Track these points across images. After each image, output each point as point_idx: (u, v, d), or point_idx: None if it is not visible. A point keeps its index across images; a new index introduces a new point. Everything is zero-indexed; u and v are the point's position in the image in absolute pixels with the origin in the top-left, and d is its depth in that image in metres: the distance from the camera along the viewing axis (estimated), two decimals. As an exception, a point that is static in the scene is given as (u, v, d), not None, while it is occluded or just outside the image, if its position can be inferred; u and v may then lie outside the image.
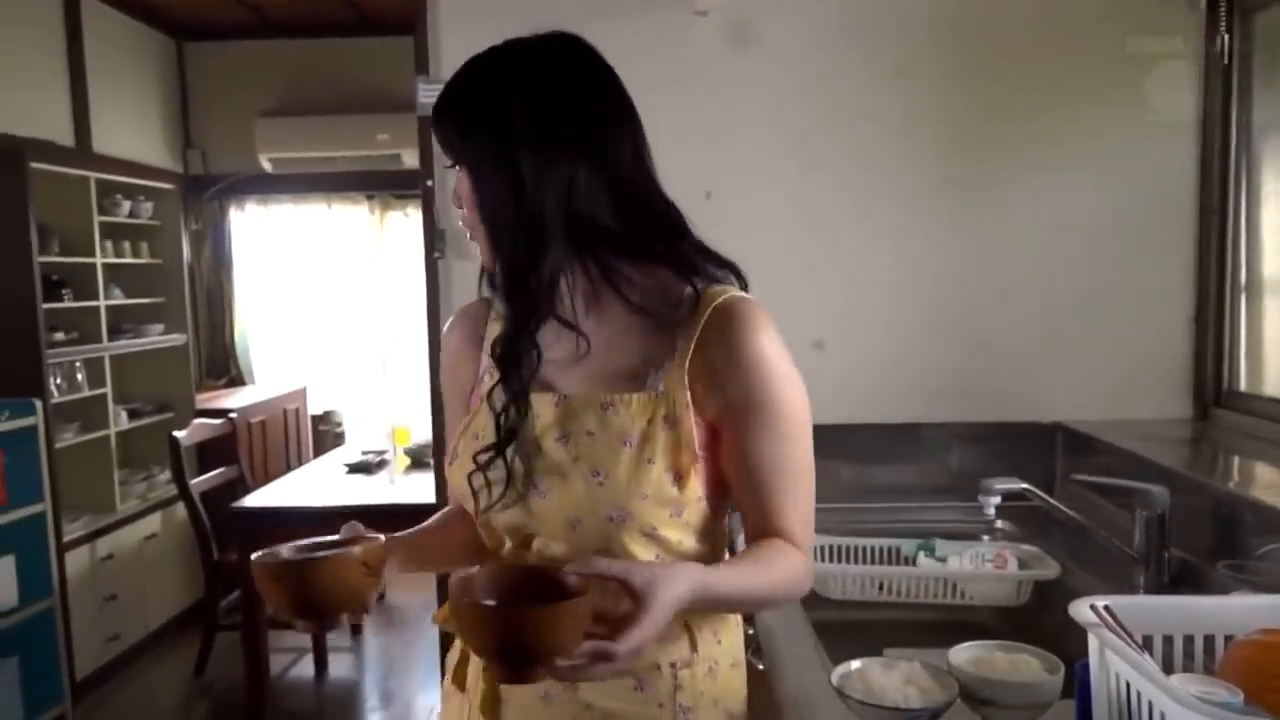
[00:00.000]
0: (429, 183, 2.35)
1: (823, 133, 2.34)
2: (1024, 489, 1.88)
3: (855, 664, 1.31)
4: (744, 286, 1.27)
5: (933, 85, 2.31)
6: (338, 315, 5.72)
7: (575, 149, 1.16)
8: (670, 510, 1.18)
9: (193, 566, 4.58)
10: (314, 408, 5.77)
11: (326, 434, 5.70)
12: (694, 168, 2.34)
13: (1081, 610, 1.12)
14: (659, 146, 2.30)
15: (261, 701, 3.73)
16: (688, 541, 1.21)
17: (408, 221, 5.45)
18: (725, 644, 1.27)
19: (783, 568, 1.17)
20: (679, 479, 1.17)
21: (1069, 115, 2.32)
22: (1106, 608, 1.11)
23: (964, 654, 1.32)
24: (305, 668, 4.29)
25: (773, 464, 1.18)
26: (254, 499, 3.87)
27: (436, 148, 2.31)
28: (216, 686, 4.17)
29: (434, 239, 2.36)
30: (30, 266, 3.66)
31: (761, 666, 1.74)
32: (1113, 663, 1.07)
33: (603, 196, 1.18)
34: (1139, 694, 1.02)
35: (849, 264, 2.37)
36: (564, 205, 1.15)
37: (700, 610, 1.16)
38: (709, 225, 2.32)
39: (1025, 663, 1.30)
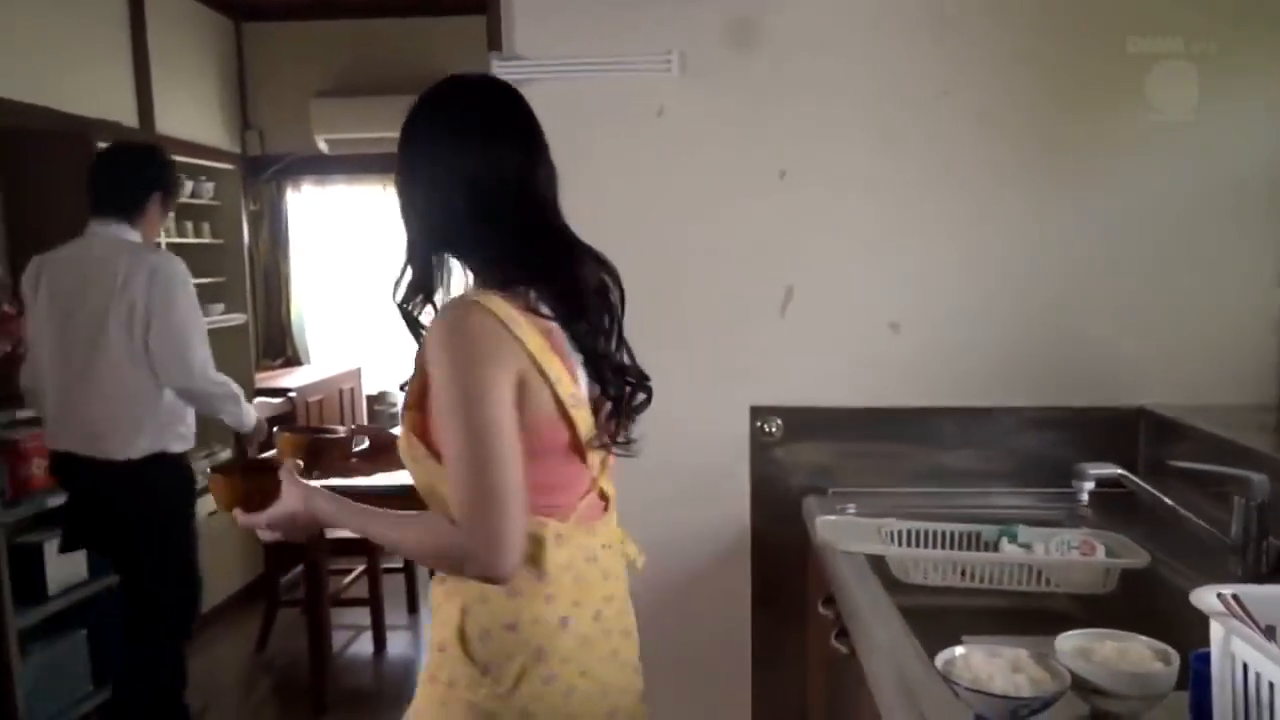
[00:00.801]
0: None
1: (900, 112, 2.28)
2: (1120, 474, 1.84)
3: (959, 650, 1.28)
4: (576, 304, 1.43)
5: (1013, 66, 2.25)
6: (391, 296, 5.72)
7: (424, 175, 1.43)
8: (408, 457, 1.43)
9: (253, 543, 4.63)
10: (368, 388, 5.80)
11: (381, 414, 5.72)
12: (769, 147, 2.31)
13: (1207, 598, 1.09)
14: (733, 125, 2.29)
15: (324, 678, 3.76)
16: (434, 491, 1.42)
17: (462, 202, 5.45)
18: (456, 604, 1.42)
19: (420, 532, 1.38)
20: (406, 436, 1.43)
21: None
22: (1234, 596, 1.07)
23: (1070, 642, 1.29)
24: (364, 645, 4.32)
25: (440, 444, 1.36)
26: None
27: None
28: (278, 662, 4.22)
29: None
30: (98, 245, 3.69)
31: (846, 650, 1.72)
32: (1240, 652, 1.04)
33: (443, 213, 1.42)
34: (1271, 685, 0.99)
35: (926, 245, 2.32)
36: (419, 218, 1.45)
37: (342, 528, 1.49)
38: (782, 205, 2.31)
39: (1136, 652, 1.27)
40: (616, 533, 1.55)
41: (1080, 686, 1.22)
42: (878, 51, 2.28)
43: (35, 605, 3.39)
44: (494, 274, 1.41)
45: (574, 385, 1.40)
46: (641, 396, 1.53)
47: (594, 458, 1.46)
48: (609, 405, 1.47)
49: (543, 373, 1.35)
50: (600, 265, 1.50)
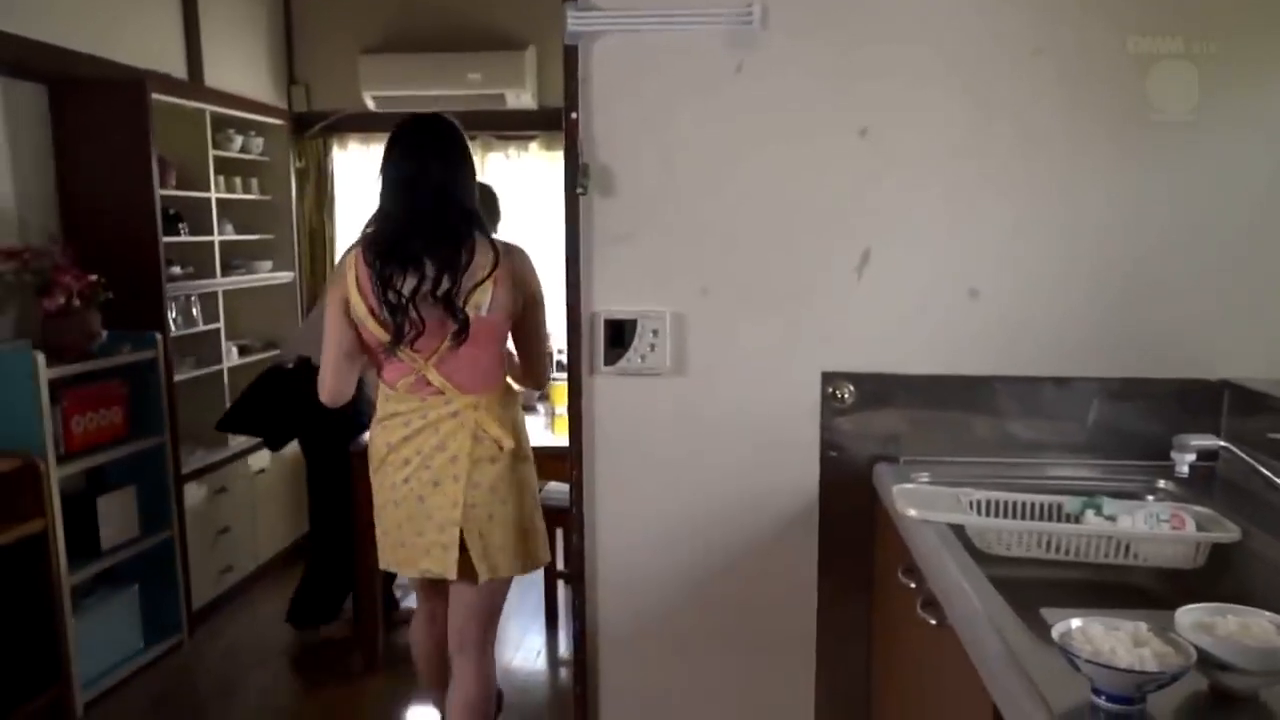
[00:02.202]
0: (574, 115, 2.27)
1: (990, 70, 2.20)
2: (1221, 446, 1.78)
3: (1075, 621, 1.24)
4: (383, 259, 2.39)
5: (1114, 23, 2.16)
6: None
7: (384, 172, 2.46)
8: None
9: (300, 501, 4.64)
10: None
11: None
12: (850, 104, 2.24)
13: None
14: (814, 81, 2.22)
15: (374, 638, 3.78)
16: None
17: (509, 163, 5.39)
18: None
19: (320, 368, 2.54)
20: None
21: (1251, 62, 2.17)
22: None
23: (1189, 616, 1.25)
24: (412, 604, 4.31)
25: None
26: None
27: (582, 76, 2.26)
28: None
29: (577, 174, 2.28)
30: (152, 198, 3.68)
31: (935, 622, 1.69)
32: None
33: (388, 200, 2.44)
34: None
35: (1009, 210, 2.24)
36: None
37: None
38: (862, 165, 2.25)
39: (1260, 627, 1.23)
40: (469, 413, 2.44)
41: (1203, 661, 1.18)
42: (971, 3, 2.19)
43: (89, 560, 3.42)
44: (365, 232, 2.44)
45: (365, 307, 2.37)
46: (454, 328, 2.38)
47: (414, 356, 2.41)
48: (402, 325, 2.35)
49: (352, 295, 2.39)
50: (452, 246, 2.34)
